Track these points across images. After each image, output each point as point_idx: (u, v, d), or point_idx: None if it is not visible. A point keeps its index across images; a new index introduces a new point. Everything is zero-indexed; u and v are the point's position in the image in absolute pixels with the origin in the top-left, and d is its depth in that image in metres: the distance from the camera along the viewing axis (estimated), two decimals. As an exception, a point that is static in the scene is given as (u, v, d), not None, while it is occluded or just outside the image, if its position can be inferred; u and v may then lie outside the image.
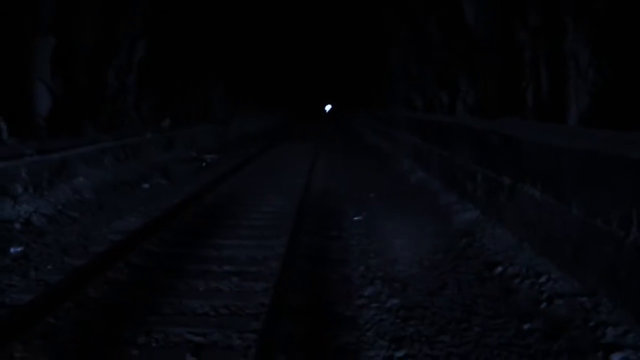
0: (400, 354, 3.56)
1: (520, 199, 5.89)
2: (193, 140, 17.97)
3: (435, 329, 3.92)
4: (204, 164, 14.40)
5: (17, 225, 6.95)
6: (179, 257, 5.52)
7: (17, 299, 4.34)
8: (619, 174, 3.95)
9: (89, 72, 13.83)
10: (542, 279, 4.69)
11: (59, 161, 9.50)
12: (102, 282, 4.66)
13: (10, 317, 3.72)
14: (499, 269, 5.21)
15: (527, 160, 5.73)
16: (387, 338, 3.77)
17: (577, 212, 4.54)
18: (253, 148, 18.27)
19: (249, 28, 29.30)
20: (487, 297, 4.52)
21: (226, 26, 25.46)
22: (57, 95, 12.07)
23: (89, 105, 13.79)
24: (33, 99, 11.61)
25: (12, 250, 6.02)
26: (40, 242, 6.23)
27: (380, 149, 17.43)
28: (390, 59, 24.46)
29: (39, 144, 10.20)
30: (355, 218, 7.32)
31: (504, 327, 3.94)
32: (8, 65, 11.05)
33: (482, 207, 7.23)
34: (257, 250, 5.77)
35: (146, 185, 10.64)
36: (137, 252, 5.50)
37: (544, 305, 4.24)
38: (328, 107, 69.42)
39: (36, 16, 11.61)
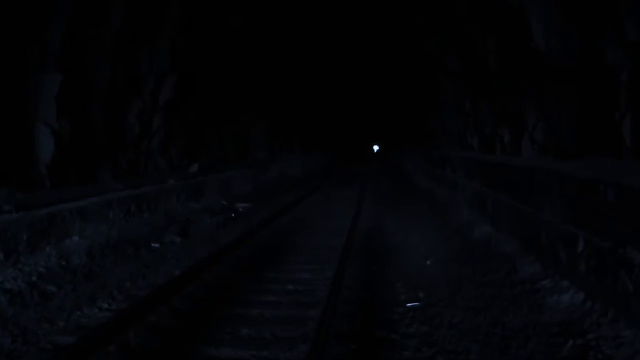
0: None
1: (666, 288, 3.82)
2: (225, 187, 16.24)
3: None
4: (233, 214, 12.61)
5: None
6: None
7: None
8: None
9: (106, 112, 12.37)
10: None
11: (45, 218, 7.84)
12: None
13: None
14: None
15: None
16: None
17: None
18: (292, 194, 16.39)
19: (294, 64, 27.95)
20: None
21: (269, 62, 24.05)
22: (63, 138, 10.58)
23: (104, 149, 12.29)
24: (34, 143, 10.14)
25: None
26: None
27: (433, 195, 15.33)
28: (441, 94, 22.53)
29: (31, 196, 8.66)
30: (409, 305, 5.24)
31: None
32: (7, 104, 9.66)
33: (588, 287, 5.12)
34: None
35: (156, 245, 8.91)
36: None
37: None
38: (376, 148, 67.42)
39: (42, 50, 10.25)
